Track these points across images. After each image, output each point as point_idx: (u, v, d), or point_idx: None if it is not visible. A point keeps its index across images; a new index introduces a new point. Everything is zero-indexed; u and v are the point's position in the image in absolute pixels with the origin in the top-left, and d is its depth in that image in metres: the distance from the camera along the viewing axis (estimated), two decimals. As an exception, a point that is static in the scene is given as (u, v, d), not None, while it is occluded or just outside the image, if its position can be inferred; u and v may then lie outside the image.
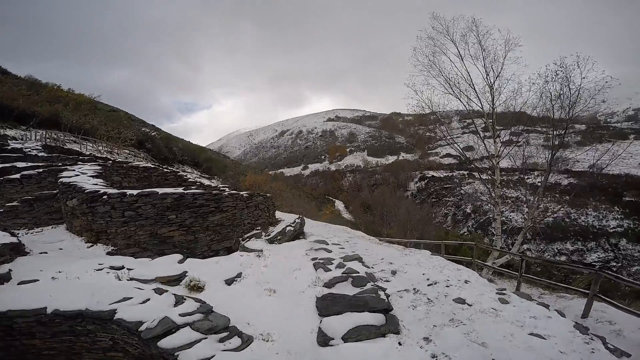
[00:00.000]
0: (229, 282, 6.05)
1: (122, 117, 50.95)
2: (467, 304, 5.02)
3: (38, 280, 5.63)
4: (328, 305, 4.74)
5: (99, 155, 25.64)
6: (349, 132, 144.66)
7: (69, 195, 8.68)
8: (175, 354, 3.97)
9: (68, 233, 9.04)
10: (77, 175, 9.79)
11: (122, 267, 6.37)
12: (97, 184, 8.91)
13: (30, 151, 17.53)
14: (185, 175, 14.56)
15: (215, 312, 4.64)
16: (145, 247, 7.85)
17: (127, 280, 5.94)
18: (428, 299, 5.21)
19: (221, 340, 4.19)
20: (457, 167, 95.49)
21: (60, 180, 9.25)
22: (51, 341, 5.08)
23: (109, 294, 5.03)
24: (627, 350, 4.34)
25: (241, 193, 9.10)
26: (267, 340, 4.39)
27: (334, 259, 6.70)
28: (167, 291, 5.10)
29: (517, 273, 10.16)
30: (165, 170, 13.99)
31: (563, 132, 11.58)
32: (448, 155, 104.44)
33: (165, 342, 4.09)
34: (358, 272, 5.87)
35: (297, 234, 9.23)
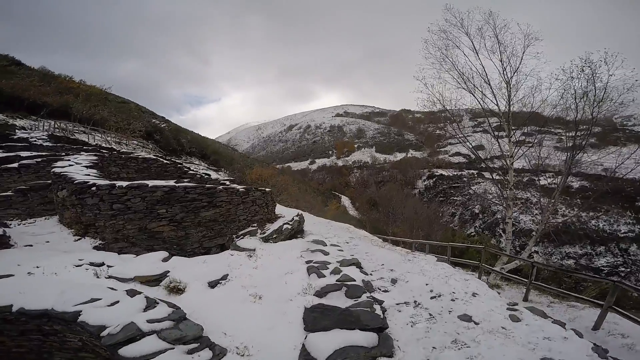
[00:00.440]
0: (212, 284, 5.55)
1: (133, 108, 51.09)
2: (474, 321, 4.42)
3: (13, 275, 5.24)
4: (316, 319, 4.20)
5: (105, 145, 25.53)
6: (358, 128, 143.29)
7: (59, 186, 8.32)
8: (136, 364, 3.51)
9: (59, 225, 8.69)
10: (70, 165, 9.41)
11: (102, 264, 5.97)
12: (89, 175, 8.51)
13: (35, 141, 17.34)
14: (185, 167, 14.13)
15: (188, 320, 4.14)
16: (133, 242, 7.43)
17: (106, 278, 5.57)
18: (430, 314, 4.62)
19: (190, 352, 3.68)
20: (466, 166, 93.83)
21: (53, 170, 8.88)
22: (20, 339, 4.74)
23: (78, 293, 4.57)
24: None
25: (237, 188, 8.60)
26: (243, 355, 3.87)
27: (329, 263, 6.14)
28: (140, 293, 4.63)
29: (526, 280, 9.53)
30: (165, 161, 13.59)
31: (587, 133, 10.72)
32: (457, 154, 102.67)
33: (127, 350, 3.62)
34: (354, 280, 5.31)
35: (295, 232, 8.72)
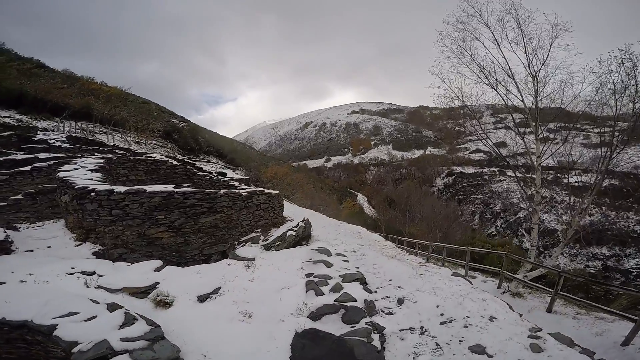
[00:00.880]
0: (202, 298, 5.20)
1: (153, 109, 52.09)
2: (487, 354, 3.83)
3: (4, 283, 5.15)
4: (305, 347, 3.74)
5: (123, 146, 25.81)
6: (374, 125, 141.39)
7: (62, 191, 8.22)
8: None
9: (64, 229, 8.61)
10: (76, 169, 9.32)
11: (93, 273, 5.75)
12: (92, 179, 8.36)
13: (54, 142, 17.56)
14: (195, 169, 13.97)
15: (165, 340, 3.79)
16: (132, 249, 7.22)
17: (95, 287, 5.35)
18: (437, 344, 4.06)
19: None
20: (487, 163, 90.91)
21: (58, 174, 8.81)
22: (7, 347, 4.61)
23: (59, 305, 4.39)
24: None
25: (240, 192, 8.24)
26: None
27: (331, 278, 5.65)
28: (120, 308, 4.38)
29: (550, 289, 8.78)
30: (175, 163, 13.45)
31: (629, 130, 9.63)
32: (478, 151, 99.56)
33: (96, 369, 3.32)
34: (355, 301, 4.80)
35: (300, 239, 8.27)
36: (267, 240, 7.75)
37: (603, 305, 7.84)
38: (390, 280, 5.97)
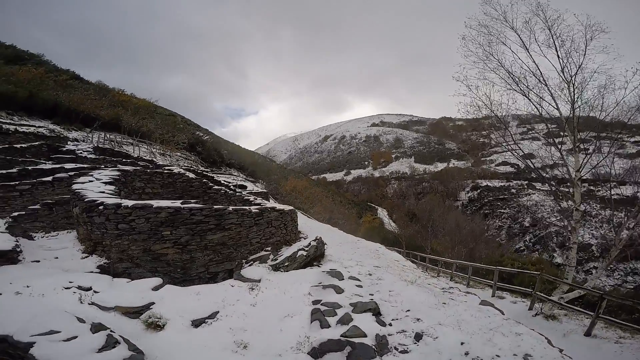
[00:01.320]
0: (197, 323, 4.78)
1: (179, 121, 53.81)
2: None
3: (1, 294, 5.04)
4: (303, 397, 3.22)
5: (147, 157, 26.35)
6: (395, 137, 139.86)
7: (74, 203, 8.19)
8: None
9: (75, 240, 8.56)
10: (90, 181, 9.34)
11: (90, 289, 5.52)
12: (104, 192, 8.28)
13: (81, 153, 18.02)
14: (211, 183, 13.85)
15: None
16: (137, 263, 6.99)
17: (88, 304, 5.12)
18: (461, 398, 3.42)
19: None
20: (514, 176, 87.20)
21: (72, 186, 8.83)
22: None
23: (44, 321, 4.18)
24: None
25: (250, 209, 7.88)
26: None
27: (340, 307, 5.08)
28: (105, 329, 4.10)
29: (589, 312, 7.89)
30: (191, 176, 13.38)
31: None
32: (504, 163, 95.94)
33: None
34: (364, 336, 4.22)
35: (312, 259, 7.75)
36: (276, 260, 7.30)
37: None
38: (408, 310, 5.25)
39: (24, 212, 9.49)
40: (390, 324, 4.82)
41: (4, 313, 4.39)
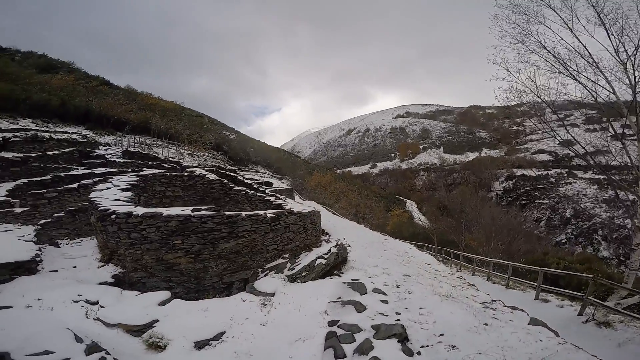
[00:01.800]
0: (200, 344, 4.32)
1: (206, 121, 54.84)
2: None
3: (11, 307, 4.99)
4: None
5: (175, 159, 26.69)
6: (422, 128, 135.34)
7: (90, 212, 8.06)
8: None
9: (95, 247, 8.49)
10: (108, 188, 9.21)
11: (97, 303, 5.36)
12: (119, 199, 8.08)
13: (110, 157, 18.40)
14: (231, 184, 13.52)
15: None
16: (151, 273, 6.69)
17: (93, 319, 4.96)
18: None
19: None
20: (552, 164, 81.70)
21: (90, 194, 8.72)
22: None
23: (42, 340, 4.07)
24: None
25: (266, 214, 7.33)
26: None
27: (360, 330, 4.36)
28: (101, 350, 3.92)
29: None
30: (211, 178, 13.13)
31: None
32: (541, 151, 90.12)
33: None
34: (388, 375, 3.52)
35: (332, 267, 7.09)
36: (293, 269, 6.70)
37: None
38: (442, 335, 4.38)
39: (49, 220, 9.58)
40: (418, 353, 4.02)
41: (9, 328, 4.31)
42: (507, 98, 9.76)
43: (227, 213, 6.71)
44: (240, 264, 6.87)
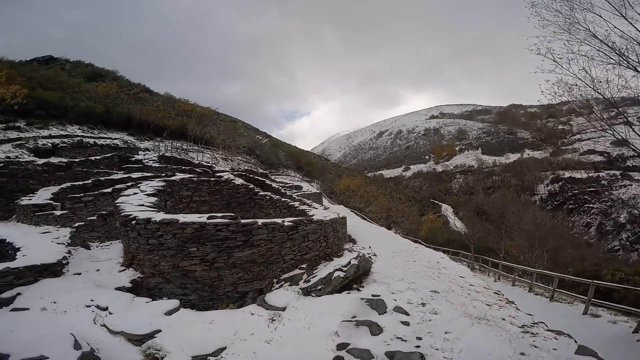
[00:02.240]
0: None
1: (240, 126, 56.29)
2: None
3: (28, 309, 5.14)
4: None
5: (209, 163, 27.41)
6: (457, 129, 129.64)
7: (116, 216, 8.23)
8: None
9: (121, 251, 8.68)
10: (135, 193, 9.40)
11: (106, 309, 5.33)
12: (143, 205, 8.16)
13: (147, 162, 19.08)
14: (257, 189, 13.45)
15: None
16: (168, 279, 6.62)
17: (100, 325, 4.94)
18: None
19: None
20: (604, 165, 74.49)
21: (117, 199, 8.93)
22: None
23: (42, 344, 4.07)
24: None
25: (283, 222, 7.00)
26: None
27: (372, 358, 3.77)
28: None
29: None
30: (237, 183, 13.14)
31: None
32: (591, 151, 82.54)
33: None
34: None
35: (351, 281, 6.58)
36: (308, 281, 6.28)
37: None
38: None
39: (83, 223, 9.97)
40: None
41: (19, 330, 4.41)
42: (556, 93, 8.61)
43: (242, 221, 6.47)
44: (255, 274, 6.59)
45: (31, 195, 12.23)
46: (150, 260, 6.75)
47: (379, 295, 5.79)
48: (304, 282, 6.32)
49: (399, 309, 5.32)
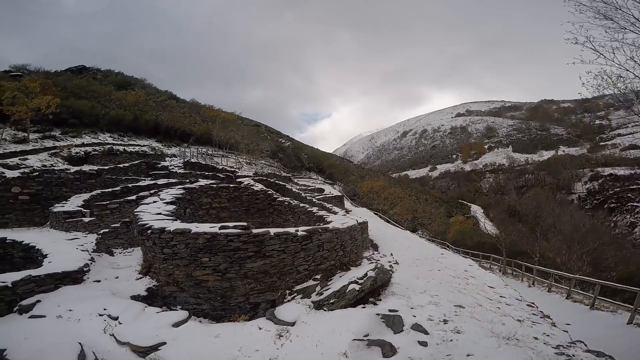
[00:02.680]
0: (197, 375, 3.86)
1: (263, 130, 57.02)
2: None
3: (45, 316, 5.21)
4: None
5: (234, 167, 27.72)
6: (485, 126, 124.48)
7: (134, 225, 8.33)
8: None
9: (141, 258, 8.78)
10: (154, 201, 9.50)
11: (117, 318, 5.31)
12: (160, 214, 8.19)
13: (173, 168, 19.57)
14: (275, 195, 13.34)
15: None
16: (182, 288, 6.56)
17: (109, 335, 4.93)
18: None
19: None
20: (649, 161, 68.73)
21: (137, 208, 9.06)
22: None
23: (47, 353, 4.13)
24: None
25: (297, 232, 6.72)
26: None
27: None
28: None
29: None
30: (256, 189, 13.08)
31: None
32: (633, 146, 76.28)
33: None
34: None
35: (367, 293, 6.19)
36: (321, 293, 5.94)
37: None
38: None
39: (107, 230, 10.24)
40: None
41: (32, 338, 4.47)
42: (599, 85, 7.70)
43: (254, 231, 6.27)
44: (268, 285, 6.37)
45: (64, 202, 12.80)
46: (165, 269, 6.73)
47: (397, 311, 5.35)
48: (316, 295, 6.01)
49: (417, 327, 4.86)
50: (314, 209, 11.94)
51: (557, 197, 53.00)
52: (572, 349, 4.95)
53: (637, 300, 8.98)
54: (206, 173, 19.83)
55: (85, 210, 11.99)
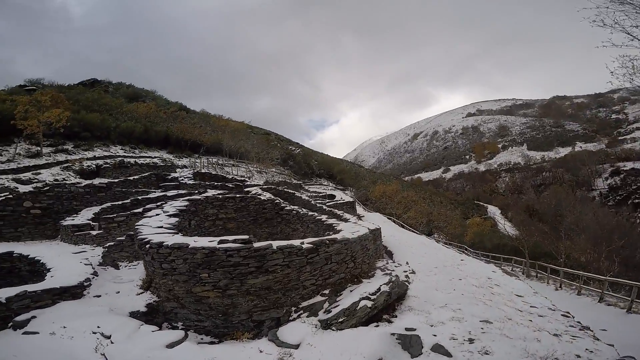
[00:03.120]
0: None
1: (273, 138, 57.02)
2: None
3: (38, 333, 5.01)
4: None
5: (240, 177, 27.44)
6: (498, 125, 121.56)
7: (135, 239, 7.97)
8: None
9: (144, 272, 8.41)
10: (157, 214, 9.15)
11: (109, 337, 4.96)
12: (162, 227, 7.82)
13: (182, 179, 19.33)
14: (283, 204, 12.86)
15: None
16: (183, 304, 6.11)
17: (100, 355, 4.61)
18: None
19: None
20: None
21: (138, 221, 8.71)
22: None
23: None
24: None
25: (302, 245, 6.17)
26: None
27: None
28: None
29: None
30: (263, 198, 12.64)
31: None
32: (654, 139, 72.82)
33: None
34: None
35: (381, 310, 5.55)
36: (329, 311, 5.36)
37: None
38: None
39: (113, 243, 9.96)
40: None
41: (20, 356, 4.34)
42: (633, 73, 6.89)
43: (255, 245, 5.77)
44: (271, 301, 5.83)
45: (74, 215, 12.68)
46: (165, 284, 6.31)
47: (415, 330, 4.71)
48: (324, 312, 5.42)
49: (438, 349, 4.22)
50: (324, 217, 11.39)
51: (577, 195, 50.61)
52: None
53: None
54: (215, 183, 19.50)
55: (93, 224, 11.81)
